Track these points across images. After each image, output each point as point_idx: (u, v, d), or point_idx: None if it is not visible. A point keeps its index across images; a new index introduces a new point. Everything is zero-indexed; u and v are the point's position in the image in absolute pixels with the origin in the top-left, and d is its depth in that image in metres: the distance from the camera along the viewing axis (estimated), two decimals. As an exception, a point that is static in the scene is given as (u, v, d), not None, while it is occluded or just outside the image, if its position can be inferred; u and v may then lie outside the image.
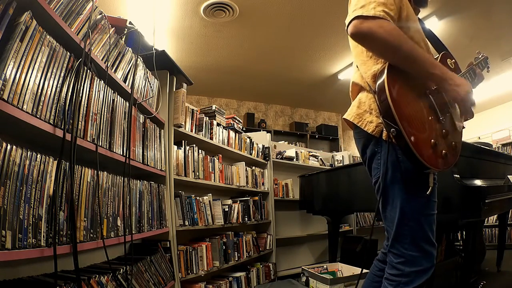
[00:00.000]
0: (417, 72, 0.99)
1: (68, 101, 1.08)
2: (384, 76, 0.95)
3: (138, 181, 1.57)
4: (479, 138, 5.56)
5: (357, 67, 1.15)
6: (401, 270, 1.01)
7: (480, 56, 1.37)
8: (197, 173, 2.33)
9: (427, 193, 0.97)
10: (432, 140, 0.97)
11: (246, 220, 2.90)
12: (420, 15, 1.24)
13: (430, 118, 1.01)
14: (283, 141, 4.95)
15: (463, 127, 1.12)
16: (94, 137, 1.21)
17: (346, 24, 0.99)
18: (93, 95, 1.23)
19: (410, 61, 0.96)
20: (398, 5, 1.01)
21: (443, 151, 0.99)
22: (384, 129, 1.00)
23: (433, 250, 1.02)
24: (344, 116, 1.16)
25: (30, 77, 0.92)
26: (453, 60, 1.19)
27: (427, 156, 0.94)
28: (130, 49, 1.59)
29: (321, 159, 4.34)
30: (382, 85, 0.95)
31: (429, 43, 1.21)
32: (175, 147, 2.11)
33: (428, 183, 0.98)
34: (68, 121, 1.07)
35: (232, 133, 2.93)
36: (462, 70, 1.25)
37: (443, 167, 0.99)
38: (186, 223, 2.15)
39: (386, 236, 1.12)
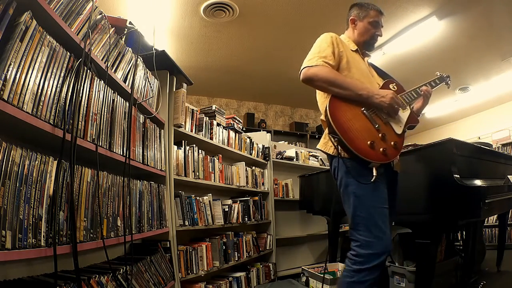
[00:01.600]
0: (351, 96, 1.33)
1: (68, 101, 1.08)
2: (327, 105, 1.31)
3: (138, 181, 1.57)
4: (479, 138, 5.55)
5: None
6: (357, 252, 1.26)
7: (438, 76, 1.64)
8: (197, 173, 2.33)
9: (372, 180, 1.24)
10: (369, 142, 1.27)
11: (246, 220, 2.90)
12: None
13: (365, 126, 1.32)
14: (283, 141, 4.95)
15: (405, 131, 1.42)
16: (94, 137, 1.21)
17: (299, 73, 1.37)
18: (93, 95, 1.23)
19: (343, 88, 1.32)
20: (337, 56, 1.40)
21: (381, 149, 1.28)
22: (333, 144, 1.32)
23: (384, 236, 1.25)
24: (316, 146, 1.53)
25: (30, 77, 0.92)
26: (395, 84, 1.50)
27: (364, 152, 1.25)
28: (130, 49, 1.59)
29: (321, 159, 4.34)
30: (326, 111, 1.30)
31: (378, 77, 1.55)
32: (175, 147, 2.11)
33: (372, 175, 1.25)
34: (68, 121, 1.07)
35: (232, 133, 2.93)
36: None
37: (384, 160, 1.28)
38: (186, 223, 2.15)
39: None
